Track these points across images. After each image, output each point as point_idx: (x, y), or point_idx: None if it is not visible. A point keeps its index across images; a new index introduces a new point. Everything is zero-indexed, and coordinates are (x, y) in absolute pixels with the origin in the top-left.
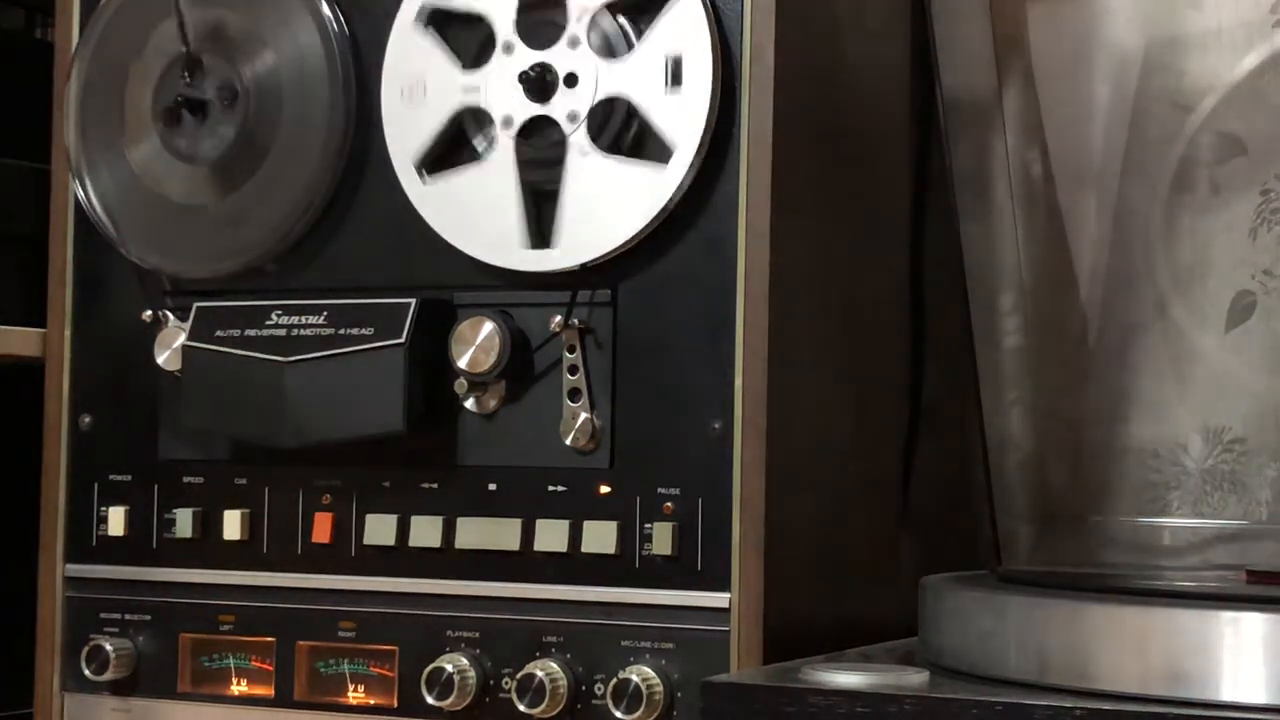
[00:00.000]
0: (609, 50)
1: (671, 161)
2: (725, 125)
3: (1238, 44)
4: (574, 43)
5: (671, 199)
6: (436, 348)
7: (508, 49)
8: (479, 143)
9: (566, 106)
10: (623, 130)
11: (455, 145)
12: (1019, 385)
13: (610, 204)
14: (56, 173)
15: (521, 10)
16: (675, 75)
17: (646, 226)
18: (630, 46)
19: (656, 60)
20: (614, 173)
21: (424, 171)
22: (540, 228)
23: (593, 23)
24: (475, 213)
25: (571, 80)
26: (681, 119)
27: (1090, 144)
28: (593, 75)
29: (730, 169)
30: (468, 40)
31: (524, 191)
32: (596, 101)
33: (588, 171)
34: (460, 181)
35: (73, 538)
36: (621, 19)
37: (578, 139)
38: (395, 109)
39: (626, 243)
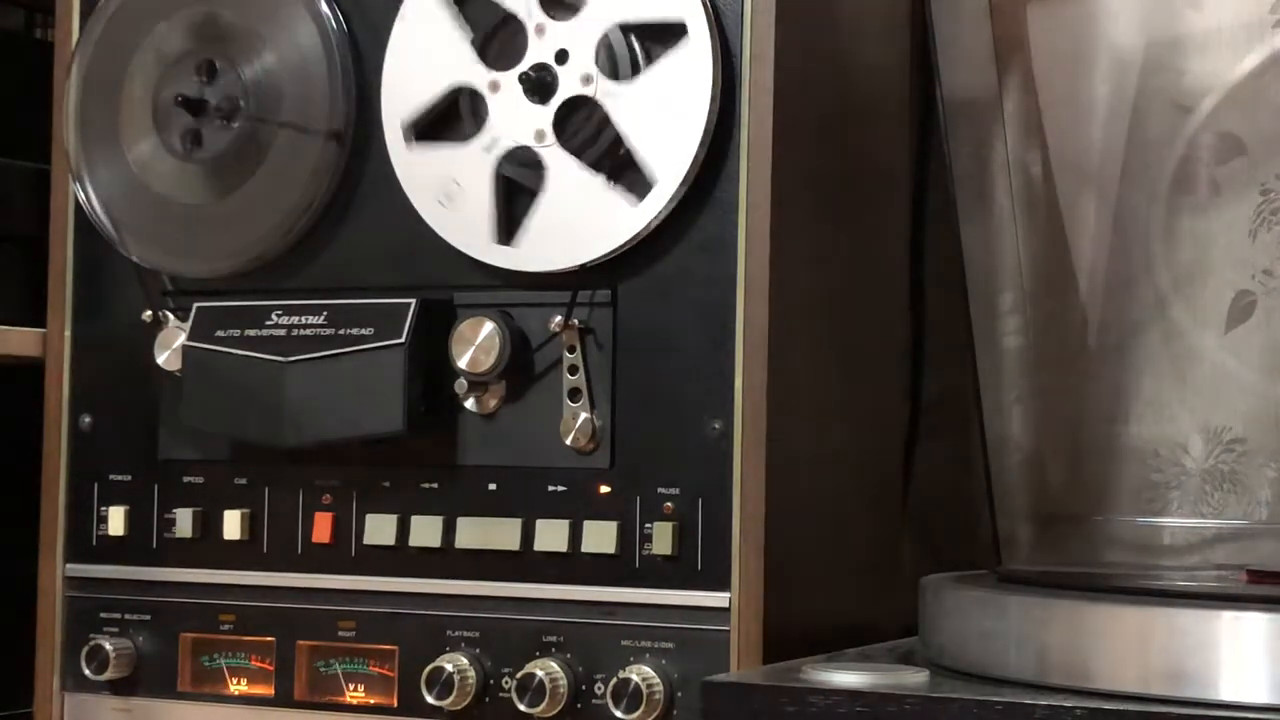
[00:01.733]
0: (613, 70)
1: (646, 199)
2: (725, 126)
3: (1238, 44)
4: (582, 55)
5: (638, 234)
6: (436, 348)
7: (518, 42)
8: (469, 126)
9: (561, 114)
10: (609, 152)
11: (446, 122)
12: (1019, 385)
13: (582, 218)
14: (56, 173)
15: (540, 6)
16: (671, 113)
17: (644, 229)
18: (635, 70)
19: (657, 93)
20: (590, 191)
21: (411, 136)
22: (510, 224)
23: (604, 38)
24: (449, 188)
25: (569, 91)
26: (667, 158)
27: (1090, 144)
28: (593, 91)
29: (730, 169)
30: (481, 21)
31: (498, 184)
32: (590, 117)
33: (566, 181)
34: (442, 155)
35: (73, 538)
36: (633, 40)
37: (564, 148)
38: (398, 72)
39: (627, 243)
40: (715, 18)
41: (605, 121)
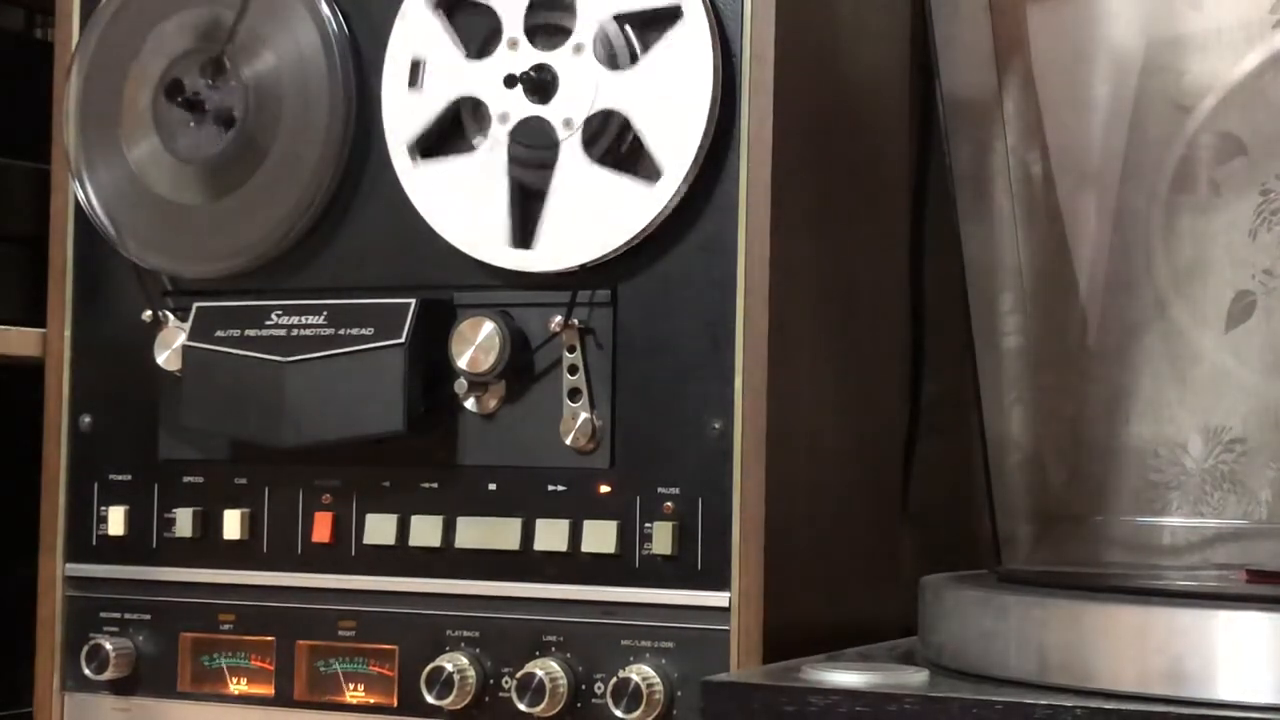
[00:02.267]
0: (612, 60)
1: (659, 182)
2: (726, 127)
3: (1238, 44)
4: (578, 49)
5: (655, 219)
6: (436, 348)
7: (513, 45)
8: (474, 134)
9: (563, 111)
10: (616, 141)
11: (450, 134)
12: (1019, 385)
13: (595, 213)
14: (56, 173)
15: (530, 9)
16: (674, 94)
17: (645, 229)
18: (634, 59)
19: (658, 77)
20: (603, 183)
21: (417, 154)
22: (525, 228)
23: (599, 30)
24: (463, 205)
25: (571, 86)
26: (676, 140)
27: (1090, 144)
28: (593, 84)
29: (730, 170)
30: (474, 30)
31: (512, 190)
32: (594, 111)
33: (577, 178)
34: (450, 169)
35: (73, 538)
36: (629, 30)
37: (571, 145)
38: (395, 92)
39: (627, 243)
40: (716, 19)
41: (610, 112)
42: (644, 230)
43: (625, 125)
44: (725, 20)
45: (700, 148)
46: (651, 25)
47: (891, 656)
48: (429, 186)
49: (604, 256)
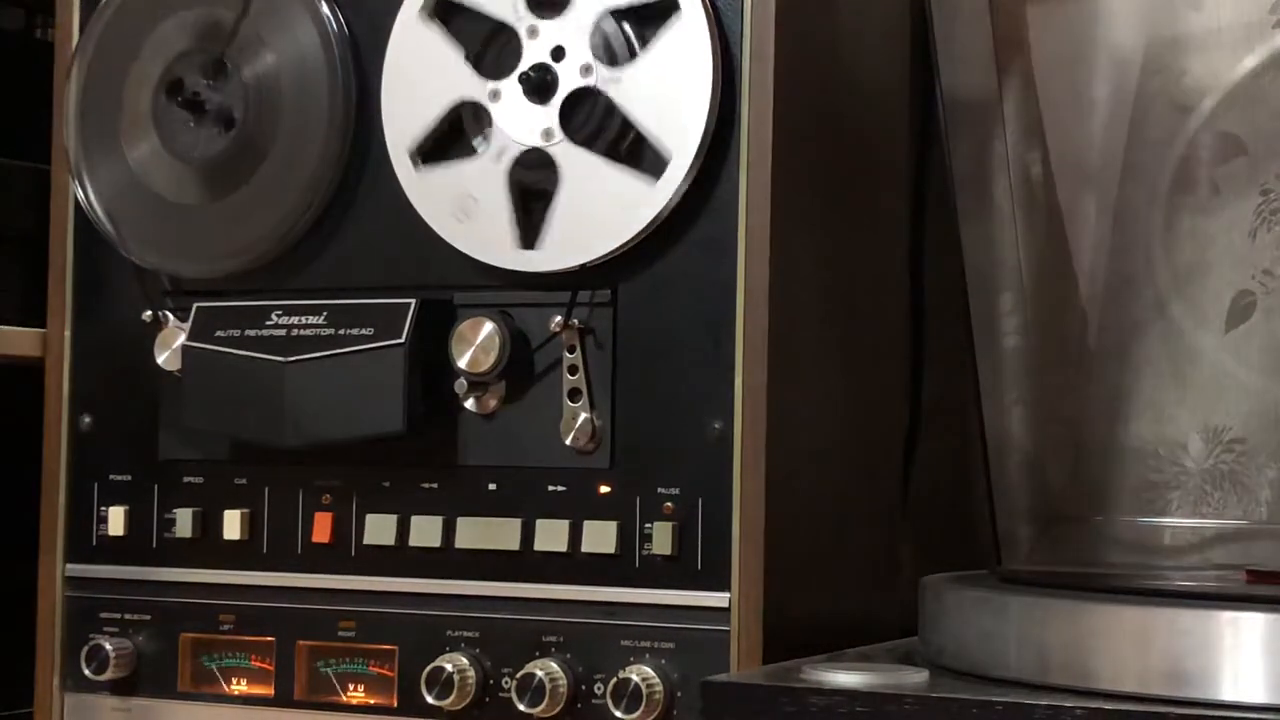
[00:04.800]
0: (611, 57)
1: (664, 176)
2: (725, 126)
3: (1238, 44)
4: (577, 48)
5: (661, 212)
6: (436, 348)
7: (512, 47)
8: (475, 138)
9: (565, 110)
10: (619, 138)
11: (451, 138)
12: (1019, 385)
13: (601, 210)
14: (56, 173)
15: (529, 9)
16: (674, 87)
17: (645, 228)
18: (633, 55)
19: (657, 72)
20: (607, 180)
21: (418, 160)
22: (525, 228)
23: (596, 28)
24: (464, 203)
25: (571, 85)
26: (678, 133)
27: (1090, 144)
28: (593, 80)
29: (730, 169)
30: (472, 33)
31: (514, 191)
32: (595, 108)
33: (580, 176)
34: (453, 174)
35: (73, 538)
36: (626, 26)
37: (570, 145)
38: (396, 97)
39: (626, 243)
40: (716, 19)
41: (611, 108)
42: (644, 230)
43: (625, 124)
44: (725, 19)
45: (700, 147)
46: (649, 19)
47: (891, 656)
48: (433, 193)
49: (604, 256)
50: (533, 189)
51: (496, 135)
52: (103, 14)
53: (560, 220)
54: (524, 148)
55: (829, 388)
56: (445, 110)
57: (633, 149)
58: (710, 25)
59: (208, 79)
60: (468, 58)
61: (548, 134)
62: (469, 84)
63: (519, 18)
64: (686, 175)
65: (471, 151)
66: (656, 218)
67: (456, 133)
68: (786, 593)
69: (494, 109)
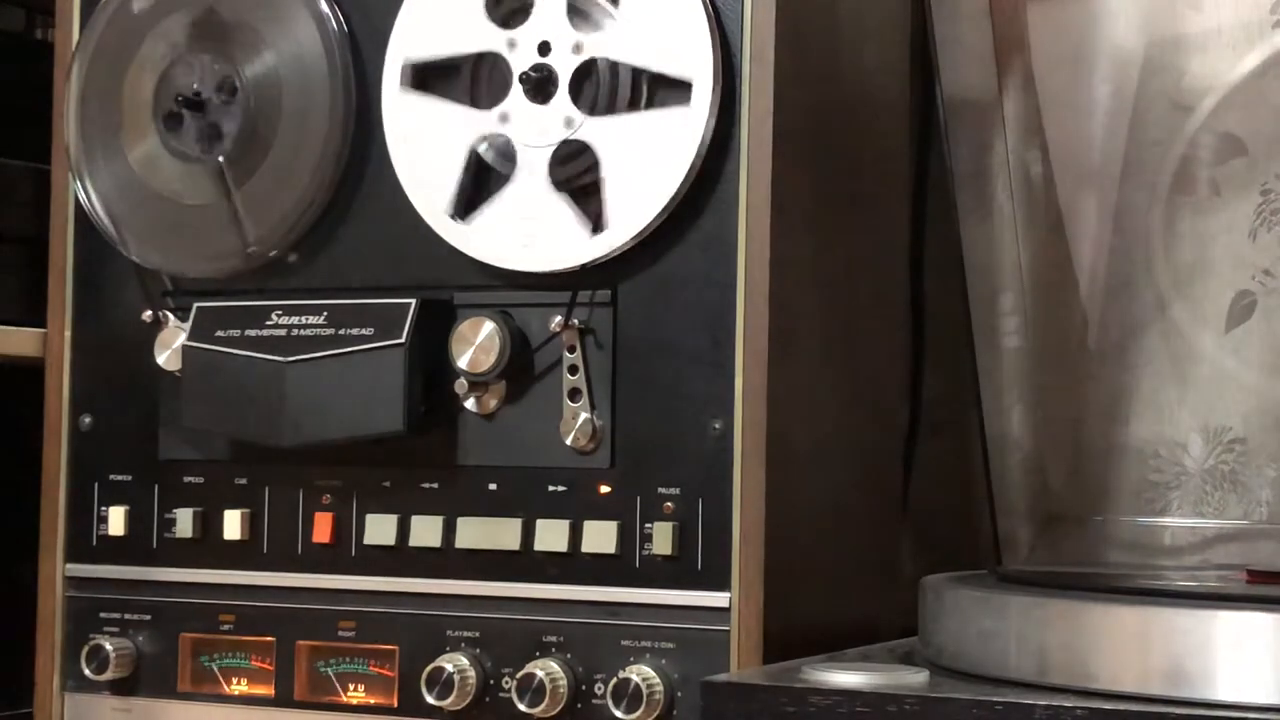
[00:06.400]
0: (594, 23)
1: (659, 182)
2: (725, 126)
3: (1238, 44)
4: (578, 49)
5: (655, 219)
6: (436, 348)
7: (513, 45)
8: (501, 165)
9: (563, 111)
10: (634, 91)
11: (481, 180)
12: (1019, 385)
13: (643, 169)
14: (56, 173)
15: (499, 26)
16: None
17: (645, 229)
18: (616, 4)
19: (648, 19)
20: (642, 130)
21: (459, 217)
22: (469, 202)
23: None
24: (523, 228)
25: (571, 85)
26: (675, 140)
27: (1090, 144)
28: (593, 84)
29: (730, 169)
30: (458, 85)
31: (564, 190)
32: (598, 74)
33: (616, 142)
34: (499, 209)
35: (73, 538)
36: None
37: (595, 115)
38: (396, 91)
39: (627, 243)
40: (717, 19)
41: (613, 66)
42: (644, 230)
43: (635, 73)
44: (726, 22)
45: (700, 147)
46: (661, 86)
47: (891, 656)
48: (486, 233)
49: (604, 256)
50: (530, 188)
51: (522, 152)
52: (103, 14)
53: (553, 220)
54: (553, 146)
55: (829, 388)
56: (464, 160)
57: (590, 189)
58: (712, 30)
59: (208, 78)
60: (467, 103)
61: (569, 121)
62: (478, 125)
63: (494, 39)
64: (682, 184)
65: (505, 180)
66: (651, 224)
67: (485, 171)
68: (787, 592)
69: (509, 132)
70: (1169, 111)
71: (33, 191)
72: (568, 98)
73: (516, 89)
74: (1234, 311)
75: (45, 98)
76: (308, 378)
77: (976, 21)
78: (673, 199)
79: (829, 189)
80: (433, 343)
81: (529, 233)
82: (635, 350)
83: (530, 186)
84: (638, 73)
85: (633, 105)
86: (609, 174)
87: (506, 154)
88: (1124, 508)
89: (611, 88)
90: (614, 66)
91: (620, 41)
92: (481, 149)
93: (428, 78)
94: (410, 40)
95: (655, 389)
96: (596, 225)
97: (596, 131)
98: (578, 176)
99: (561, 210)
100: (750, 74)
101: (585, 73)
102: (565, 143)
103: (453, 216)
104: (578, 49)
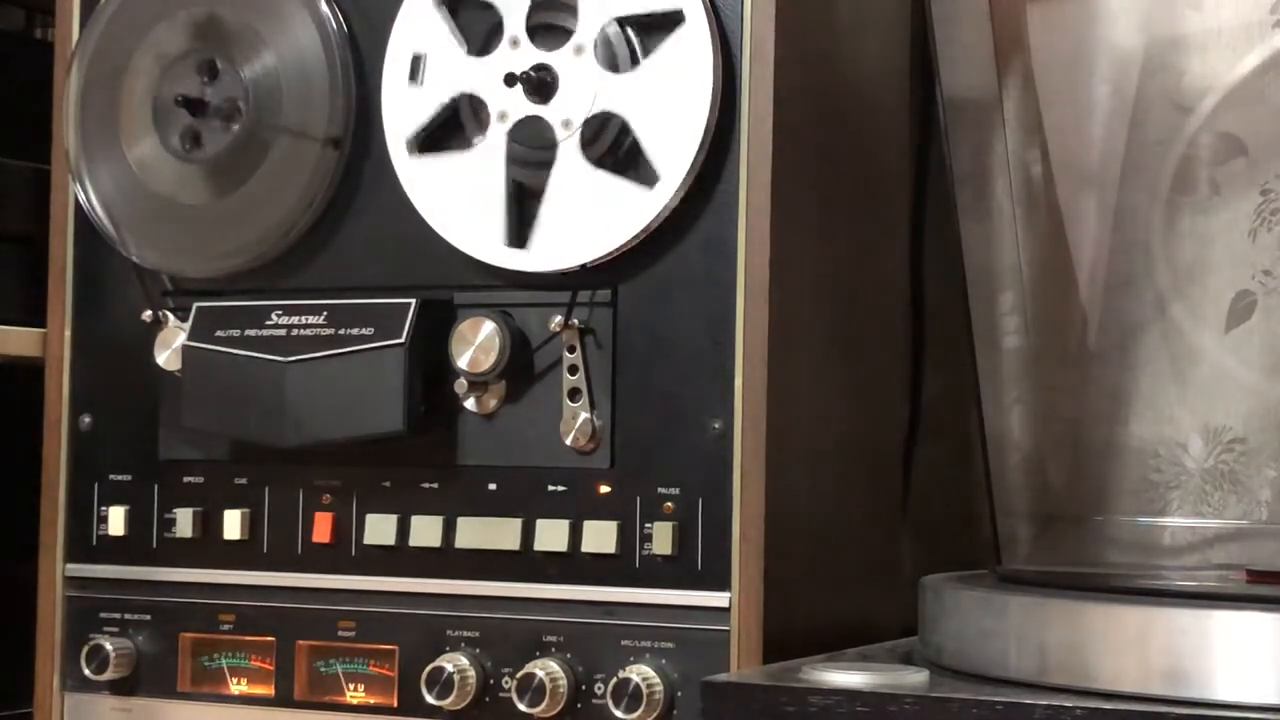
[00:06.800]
0: (612, 63)
1: (659, 182)
2: (725, 126)
3: (1238, 44)
4: (579, 50)
5: (655, 219)
6: (436, 348)
7: (514, 43)
8: (473, 133)
9: (562, 112)
10: (615, 145)
11: (450, 131)
12: (1019, 385)
13: (595, 213)
14: (56, 173)
15: (533, 9)
16: (673, 98)
17: (645, 228)
18: (635, 62)
19: (658, 81)
20: (600, 186)
21: (414, 149)
22: (521, 227)
23: (600, 33)
24: (460, 201)
25: (571, 87)
26: (676, 141)
27: (1090, 144)
28: (593, 85)
29: (730, 170)
30: (476, 26)
31: (511, 189)
32: (593, 113)
33: (574, 179)
34: (447, 165)
35: (73, 538)
36: (630, 32)
37: (570, 145)
38: (395, 89)
39: (627, 243)
40: (717, 19)
41: (608, 115)
42: (644, 230)
43: (624, 128)
44: (725, 21)
45: (700, 148)
46: (653, 29)
47: (891, 656)
48: (428, 184)
49: (604, 256)
50: (529, 188)
51: (494, 132)
52: (102, 14)
53: (553, 220)
54: (521, 146)
55: (829, 388)
56: (445, 101)
57: (629, 155)
58: (712, 32)
59: (207, 78)
60: (471, 50)
61: (545, 134)
62: (470, 78)
63: (525, 16)
64: (682, 184)
65: (469, 145)
66: (651, 224)
67: (455, 126)
68: (787, 592)
69: (493, 105)
70: (1169, 111)
71: (32, 191)
72: (555, 112)
73: (519, 96)
74: (1234, 311)
75: (45, 98)
76: (308, 378)
77: (976, 21)
78: (671, 200)
79: (829, 189)
80: (433, 343)
81: (462, 207)
82: (635, 350)
83: (484, 164)
84: (626, 130)
85: (609, 155)
86: (553, 199)
87: (481, 124)
88: (1124, 508)
89: (598, 128)
90: (608, 110)
91: (625, 92)
92: (463, 103)
93: (457, 7)
94: (410, 40)
95: (655, 389)
96: (521, 238)
97: (563, 156)
98: (529, 183)
99: (497, 202)
100: (750, 74)
101: (581, 98)
102: (532, 148)
103: (409, 147)
104: (587, 74)
